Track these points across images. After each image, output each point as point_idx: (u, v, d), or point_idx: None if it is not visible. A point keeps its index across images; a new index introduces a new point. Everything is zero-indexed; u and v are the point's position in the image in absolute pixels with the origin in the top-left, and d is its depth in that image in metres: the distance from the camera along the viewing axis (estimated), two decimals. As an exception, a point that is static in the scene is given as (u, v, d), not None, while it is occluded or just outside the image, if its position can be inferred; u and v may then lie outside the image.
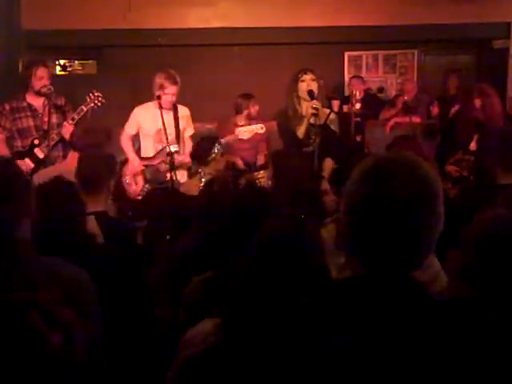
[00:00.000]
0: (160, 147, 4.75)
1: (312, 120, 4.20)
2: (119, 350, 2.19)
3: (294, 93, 4.34)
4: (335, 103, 7.25)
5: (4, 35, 5.61)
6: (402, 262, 1.24)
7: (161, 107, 4.63)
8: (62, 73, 7.98)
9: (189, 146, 4.96)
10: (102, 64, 7.92)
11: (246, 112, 5.54)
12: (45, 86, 4.60)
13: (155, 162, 4.77)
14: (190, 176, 4.80)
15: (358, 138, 6.36)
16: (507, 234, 1.72)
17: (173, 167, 4.32)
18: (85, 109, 4.61)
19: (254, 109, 5.58)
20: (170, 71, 4.80)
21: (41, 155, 4.60)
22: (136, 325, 2.35)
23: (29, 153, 4.63)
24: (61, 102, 4.78)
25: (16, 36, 5.78)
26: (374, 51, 8.17)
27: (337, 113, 6.54)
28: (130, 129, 4.92)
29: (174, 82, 4.73)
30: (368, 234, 1.24)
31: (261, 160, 5.48)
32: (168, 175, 4.39)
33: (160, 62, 6.22)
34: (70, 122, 4.57)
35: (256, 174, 4.75)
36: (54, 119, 4.71)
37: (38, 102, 4.70)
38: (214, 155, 4.70)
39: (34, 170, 4.58)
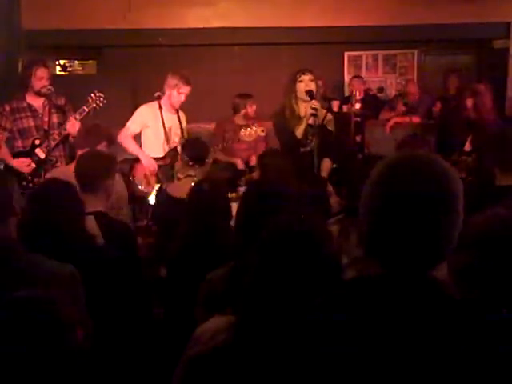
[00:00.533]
0: (167, 148, 4.75)
1: (311, 120, 4.20)
2: (118, 349, 2.19)
3: (292, 93, 4.33)
4: (335, 103, 7.25)
5: (4, 35, 5.61)
6: (422, 261, 1.24)
7: (160, 107, 4.65)
8: (62, 73, 7.98)
9: None
10: (101, 64, 7.92)
11: (243, 112, 5.53)
12: (45, 86, 4.60)
13: (167, 161, 4.74)
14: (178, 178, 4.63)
15: (358, 138, 6.36)
16: (506, 233, 1.72)
17: (174, 168, 4.34)
18: (87, 109, 4.61)
19: (251, 108, 5.57)
20: (184, 72, 4.84)
21: (42, 155, 4.60)
22: (135, 324, 2.36)
23: (30, 153, 4.62)
24: (61, 101, 4.78)
25: (16, 36, 5.77)
26: (373, 51, 8.17)
27: (337, 113, 6.57)
28: (134, 127, 4.85)
29: (188, 83, 4.76)
30: (388, 234, 1.24)
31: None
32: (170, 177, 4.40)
33: (160, 61, 6.23)
34: (77, 116, 4.58)
35: (256, 174, 4.74)
36: (55, 119, 4.71)
37: (38, 103, 4.70)
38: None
39: (35, 171, 4.58)
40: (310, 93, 4.22)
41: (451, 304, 1.23)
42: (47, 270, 1.75)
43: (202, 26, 7.36)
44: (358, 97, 6.37)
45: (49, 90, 4.57)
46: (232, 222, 2.45)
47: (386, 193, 1.24)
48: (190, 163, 4.19)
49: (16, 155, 4.64)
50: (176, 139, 4.79)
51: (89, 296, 2.02)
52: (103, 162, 3.17)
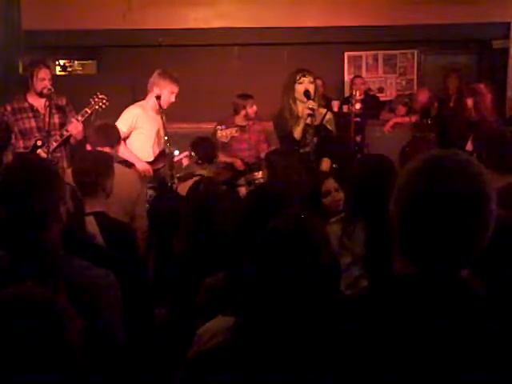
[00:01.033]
0: (157, 150, 4.65)
1: (308, 120, 4.20)
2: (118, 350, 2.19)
3: (291, 94, 4.33)
4: (335, 103, 7.26)
5: (4, 35, 5.61)
6: (455, 260, 1.25)
7: (160, 107, 4.62)
8: (62, 73, 7.98)
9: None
10: (101, 64, 7.92)
11: (243, 112, 5.51)
12: (46, 87, 4.60)
13: (159, 165, 4.60)
14: (185, 178, 4.52)
15: (358, 138, 6.37)
16: (505, 233, 1.71)
17: (173, 169, 4.29)
18: (89, 111, 4.60)
19: (251, 109, 5.55)
20: (171, 71, 4.78)
21: (44, 156, 4.58)
22: (135, 324, 2.35)
23: (32, 154, 4.61)
24: (62, 102, 4.77)
25: (16, 36, 5.77)
26: (373, 51, 8.17)
27: (336, 113, 6.57)
28: (125, 128, 4.56)
29: (178, 82, 4.72)
30: (421, 233, 1.24)
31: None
32: (170, 179, 4.32)
33: (160, 61, 6.22)
34: (80, 118, 4.57)
35: (256, 174, 4.74)
36: (56, 119, 4.70)
37: (39, 103, 4.69)
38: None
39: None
40: (307, 93, 4.22)
41: (480, 304, 1.24)
42: (87, 276, 1.77)
43: (202, 27, 7.37)
44: (357, 97, 6.38)
45: (49, 90, 4.57)
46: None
47: (421, 192, 1.24)
48: (200, 162, 4.18)
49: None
50: (162, 141, 4.69)
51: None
52: (101, 162, 3.15)
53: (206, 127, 6.16)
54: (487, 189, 1.24)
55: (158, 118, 4.66)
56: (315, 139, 4.25)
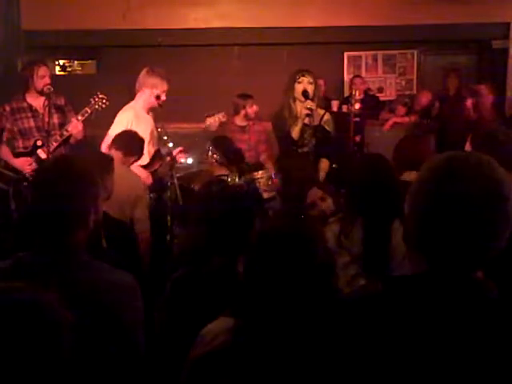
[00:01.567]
0: (153, 150, 4.61)
1: (306, 120, 4.20)
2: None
3: (291, 93, 4.33)
4: (334, 103, 7.27)
5: (4, 35, 5.61)
6: (469, 261, 1.25)
7: (160, 105, 4.61)
8: (62, 73, 7.98)
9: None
10: (101, 64, 7.92)
11: (243, 112, 5.50)
12: (46, 84, 4.60)
13: (155, 167, 4.56)
14: (202, 178, 4.38)
15: (358, 138, 6.37)
16: None
17: (173, 169, 4.27)
18: (89, 111, 4.60)
19: (251, 109, 5.54)
20: (160, 69, 4.71)
21: (43, 156, 4.58)
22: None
23: (31, 154, 4.61)
24: (61, 102, 4.78)
25: (16, 36, 5.77)
26: (373, 51, 8.17)
27: (336, 113, 6.57)
28: None
29: (167, 80, 4.65)
30: (437, 232, 1.24)
31: (260, 160, 5.44)
32: (169, 178, 4.29)
33: (160, 61, 6.22)
34: (80, 117, 4.57)
35: (255, 174, 4.74)
36: (55, 119, 4.70)
37: (38, 103, 4.69)
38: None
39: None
40: (305, 93, 4.22)
41: (493, 305, 1.24)
42: (109, 280, 1.77)
43: (202, 27, 7.37)
44: (357, 97, 6.37)
45: (49, 89, 4.57)
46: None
47: (437, 191, 1.25)
48: (224, 163, 4.16)
49: (17, 156, 4.64)
50: (155, 141, 4.65)
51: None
52: (101, 161, 3.15)
53: (202, 127, 6.16)
54: (505, 190, 1.24)
55: (149, 117, 4.65)
56: (313, 140, 4.25)
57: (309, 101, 4.19)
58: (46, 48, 6.98)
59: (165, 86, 4.64)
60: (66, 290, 1.30)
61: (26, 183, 4.53)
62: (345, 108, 6.87)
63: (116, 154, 3.77)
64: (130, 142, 4.00)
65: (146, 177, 4.38)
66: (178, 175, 4.38)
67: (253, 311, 1.53)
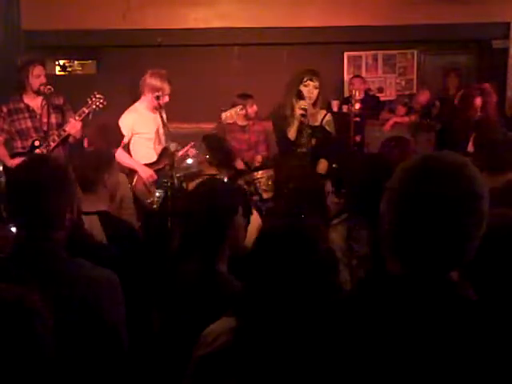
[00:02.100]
0: (159, 149, 4.69)
1: (302, 119, 4.20)
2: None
3: (294, 92, 4.32)
4: (335, 103, 7.27)
5: (4, 35, 5.61)
6: (445, 262, 1.24)
7: (161, 106, 4.63)
8: (62, 73, 7.98)
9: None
10: (101, 64, 7.92)
11: (243, 112, 5.51)
12: (43, 83, 4.60)
13: (161, 165, 4.65)
14: (193, 177, 4.45)
15: (358, 138, 6.37)
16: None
17: (173, 169, 4.29)
18: (86, 111, 4.60)
19: (251, 109, 5.55)
20: (162, 71, 4.78)
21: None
22: (134, 327, 2.35)
23: (29, 154, 4.61)
24: (59, 101, 4.78)
25: (16, 36, 5.77)
26: (373, 51, 8.17)
27: (336, 113, 6.56)
28: (124, 137, 4.64)
29: (169, 82, 4.73)
30: (412, 233, 1.23)
31: (259, 160, 5.44)
32: (169, 178, 4.31)
33: (160, 61, 6.21)
34: (77, 117, 4.57)
35: (255, 174, 4.74)
36: (53, 119, 4.70)
37: (35, 103, 4.69)
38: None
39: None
40: (299, 93, 4.22)
41: (468, 306, 1.23)
42: (90, 277, 1.78)
43: (202, 27, 7.36)
44: (357, 97, 6.37)
45: (49, 89, 4.57)
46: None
47: (412, 192, 1.24)
48: (216, 164, 4.17)
49: (15, 156, 4.64)
50: (163, 139, 4.74)
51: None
52: (99, 160, 3.10)
53: (206, 127, 6.15)
54: (479, 190, 1.24)
55: (156, 116, 4.68)
56: (313, 140, 4.26)
57: (303, 101, 4.19)
58: (46, 48, 6.97)
59: (166, 89, 4.70)
60: (46, 287, 1.31)
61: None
62: (345, 108, 6.87)
63: None
64: (105, 137, 3.91)
65: (149, 175, 4.55)
66: (177, 175, 4.40)
67: (254, 311, 1.53)
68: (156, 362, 2.16)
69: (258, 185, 4.64)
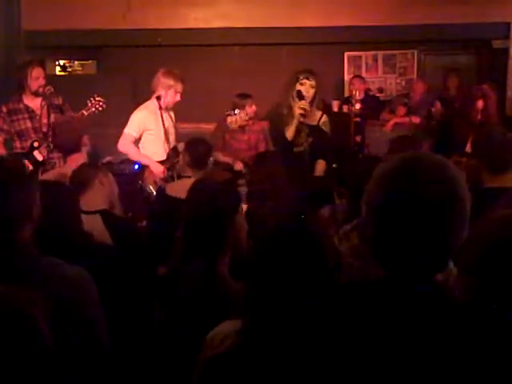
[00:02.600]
0: (168, 148, 4.72)
1: (301, 119, 4.21)
2: (116, 351, 2.18)
3: (292, 92, 4.33)
4: (335, 103, 7.27)
5: (4, 35, 5.61)
6: (428, 264, 1.22)
7: (161, 107, 4.65)
8: (62, 73, 7.98)
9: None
10: (101, 64, 7.92)
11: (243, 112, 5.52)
12: (41, 85, 4.59)
13: (169, 164, 4.69)
14: (172, 179, 4.55)
15: (358, 138, 6.37)
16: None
17: (174, 170, 4.33)
18: (85, 113, 4.60)
19: (250, 109, 5.54)
20: (175, 70, 4.84)
21: (40, 158, 4.54)
22: (134, 327, 2.35)
23: (28, 155, 4.60)
24: (58, 101, 4.77)
25: (16, 36, 5.77)
26: (373, 51, 8.17)
27: (336, 113, 6.57)
28: (134, 132, 4.75)
29: (183, 81, 4.79)
30: (394, 235, 1.21)
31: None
32: (169, 178, 4.37)
33: (160, 61, 6.21)
34: None
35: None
36: (53, 120, 4.69)
37: (35, 103, 4.69)
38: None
39: (33, 173, 4.55)
40: (298, 93, 4.23)
41: (455, 309, 1.21)
42: (59, 274, 1.77)
43: (202, 27, 7.37)
44: (357, 97, 6.38)
45: (49, 90, 4.57)
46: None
47: (393, 192, 1.22)
48: (190, 164, 4.18)
49: (15, 156, 4.63)
50: (171, 138, 4.79)
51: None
52: (80, 177, 3.03)
53: (206, 127, 6.16)
54: (459, 190, 1.22)
55: (166, 115, 4.75)
56: (310, 139, 4.26)
57: (302, 101, 4.19)
58: (46, 48, 6.98)
59: (179, 87, 4.78)
60: (19, 285, 1.31)
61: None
62: (345, 108, 6.88)
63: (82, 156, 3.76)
64: (67, 140, 3.86)
65: (160, 171, 4.65)
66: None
67: (260, 313, 1.52)
68: (156, 362, 2.15)
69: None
